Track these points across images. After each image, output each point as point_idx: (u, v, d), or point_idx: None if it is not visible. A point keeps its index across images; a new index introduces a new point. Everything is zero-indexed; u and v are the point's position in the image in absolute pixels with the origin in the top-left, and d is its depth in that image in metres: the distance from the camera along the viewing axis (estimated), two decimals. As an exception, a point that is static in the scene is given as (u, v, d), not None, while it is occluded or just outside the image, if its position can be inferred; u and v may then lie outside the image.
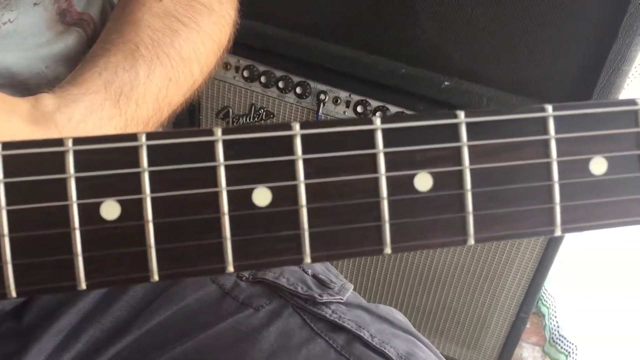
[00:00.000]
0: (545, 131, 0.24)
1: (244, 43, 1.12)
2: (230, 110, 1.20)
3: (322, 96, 1.12)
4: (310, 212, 0.23)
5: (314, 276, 0.56)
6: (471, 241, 0.24)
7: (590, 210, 0.25)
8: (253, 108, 1.18)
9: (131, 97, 0.41)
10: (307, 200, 0.23)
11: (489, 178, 0.24)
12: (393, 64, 1.06)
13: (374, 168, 0.23)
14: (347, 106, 1.12)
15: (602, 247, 1.20)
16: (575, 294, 1.24)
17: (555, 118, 0.24)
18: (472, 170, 0.24)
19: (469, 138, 0.24)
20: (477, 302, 1.17)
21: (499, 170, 0.24)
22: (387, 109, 1.07)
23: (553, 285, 1.29)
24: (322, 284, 0.55)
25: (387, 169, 0.23)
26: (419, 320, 1.23)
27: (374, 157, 0.23)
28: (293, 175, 0.23)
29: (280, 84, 1.13)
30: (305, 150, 0.23)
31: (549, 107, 0.24)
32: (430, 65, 1.04)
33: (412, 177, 0.24)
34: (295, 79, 1.13)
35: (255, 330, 0.52)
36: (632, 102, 0.25)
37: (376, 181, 0.23)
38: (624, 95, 1.01)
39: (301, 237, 0.23)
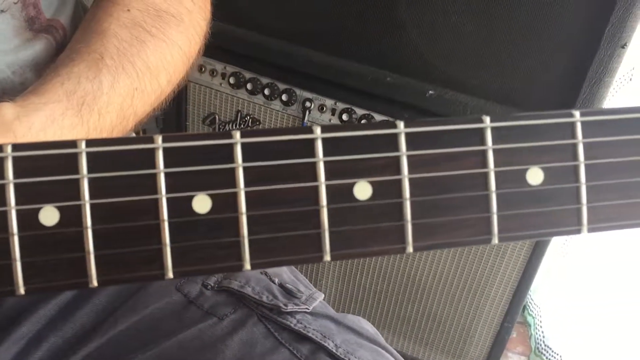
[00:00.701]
0: (483, 142, 0.24)
1: (230, 50, 1.13)
2: (217, 117, 1.21)
3: (307, 104, 1.13)
4: (250, 219, 0.24)
5: (281, 285, 0.56)
6: (410, 249, 0.24)
7: (526, 220, 0.25)
8: (239, 115, 1.19)
9: (94, 107, 0.42)
10: (247, 207, 0.24)
11: (427, 187, 0.24)
12: (378, 72, 1.06)
13: (314, 176, 0.23)
14: (333, 114, 1.13)
15: (588, 257, 1.20)
16: (561, 304, 1.24)
17: (493, 129, 0.25)
18: (410, 180, 0.24)
19: (409, 148, 0.24)
20: (462, 311, 1.17)
21: (438, 180, 0.24)
22: (373, 117, 1.07)
23: (539, 295, 1.29)
24: (289, 294, 0.55)
25: (327, 178, 0.24)
26: (404, 329, 1.23)
27: (313, 165, 0.24)
28: (233, 183, 0.23)
29: (266, 91, 1.14)
30: (245, 158, 0.23)
31: (487, 119, 0.25)
32: (416, 74, 1.04)
33: (351, 185, 0.24)
34: (282, 86, 1.13)
35: (219, 340, 0.52)
36: (568, 114, 0.25)
37: (316, 189, 0.23)
38: (608, 106, 1.01)
39: (241, 244, 0.24)
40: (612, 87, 1.09)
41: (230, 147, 0.23)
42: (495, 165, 0.24)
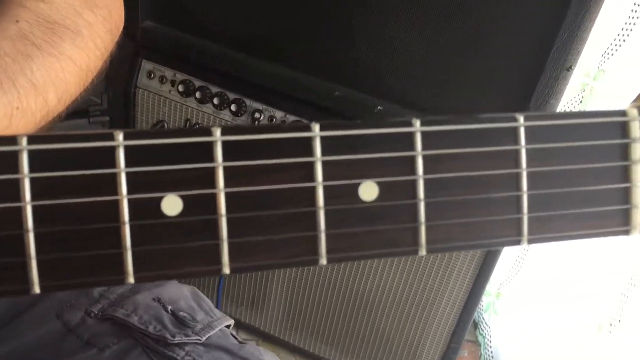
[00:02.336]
0: (311, 153, 0.22)
1: (180, 57, 1.11)
2: (166, 125, 1.18)
3: (257, 115, 1.11)
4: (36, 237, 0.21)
5: (173, 314, 0.53)
6: (226, 270, 0.22)
7: (358, 239, 0.23)
8: (188, 123, 1.16)
9: None
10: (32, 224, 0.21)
11: (246, 202, 0.22)
12: (328, 85, 1.05)
13: (115, 190, 0.21)
14: (283, 126, 1.11)
15: (540, 277, 1.19)
16: (511, 323, 1.22)
17: (323, 139, 0.22)
18: (227, 194, 0.22)
19: (226, 158, 0.22)
20: (410, 329, 1.15)
21: (257, 194, 0.22)
22: (321, 129, 1.05)
23: (490, 315, 1.27)
24: (181, 323, 0.52)
25: (131, 191, 0.21)
26: (351, 346, 1.20)
27: (114, 177, 0.21)
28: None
29: (216, 101, 1.12)
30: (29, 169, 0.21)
31: (316, 126, 0.22)
32: (365, 88, 1.03)
33: (159, 200, 0.22)
34: (232, 96, 1.11)
35: None
36: (407, 122, 0.23)
37: (116, 204, 0.21)
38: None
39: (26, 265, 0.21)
40: (563, 109, 1.09)
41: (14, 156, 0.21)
42: (324, 179, 0.22)
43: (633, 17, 0.94)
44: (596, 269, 1.01)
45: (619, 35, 0.97)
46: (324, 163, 0.22)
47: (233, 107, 1.12)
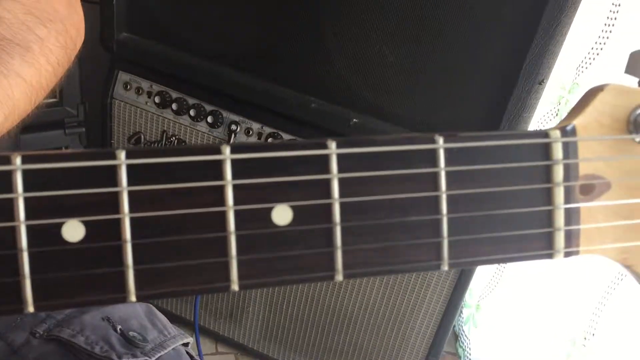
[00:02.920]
0: (221, 176, 0.22)
1: (157, 68, 1.10)
2: (142, 136, 1.17)
3: (234, 127, 1.10)
4: None
5: (122, 333, 0.51)
6: (132, 298, 0.21)
7: (272, 264, 0.22)
8: (165, 135, 1.16)
9: None
10: None
11: (153, 228, 0.21)
12: (304, 97, 1.04)
13: (12, 215, 0.20)
14: (260, 138, 1.10)
15: (518, 291, 1.18)
16: (490, 336, 1.22)
17: (235, 162, 0.22)
18: (132, 219, 0.21)
19: (131, 182, 0.21)
20: (388, 343, 1.14)
21: (165, 219, 0.21)
22: (297, 142, 1.05)
23: (470, 327, 1.27)
24: (130, 343, 0.51)
25: (29, 216, 0.20)
26: (331, 359, 1.19)
27: (11, 202, 0.20)
28: None
29: (192, 112, 1.11)
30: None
31: (227, 149, 0.22)
32: (340, 101, 1.02)
33: (59, 226, 0.21)
34: (208, 107, 1.11)
35: None
36: (322, 144, 0.22)
37: (13, 231, 0.20)
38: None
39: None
40: (539, 123, 1.09)
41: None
42: (235, 203, 0.21)
43: (606, 31, 0.95)
44: (571, 282, 1.00)
45: (592, 48, 0.97)
46: (235, 186, 0.22)
47: (210, 119, 1.11)
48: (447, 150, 0.23)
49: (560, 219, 0.25)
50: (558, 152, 0.24)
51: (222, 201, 0.22)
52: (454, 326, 1.35)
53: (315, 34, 0.99)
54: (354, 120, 1.02)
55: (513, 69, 0.87)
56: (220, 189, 0.22)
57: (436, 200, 0.23)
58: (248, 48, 1.06)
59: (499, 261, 0.24)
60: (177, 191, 0.21)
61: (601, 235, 0.26)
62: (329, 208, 0.22)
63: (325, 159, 0.22)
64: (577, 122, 0.26)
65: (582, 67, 1.00)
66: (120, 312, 0.53)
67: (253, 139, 1.10)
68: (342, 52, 1.00)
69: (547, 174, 0.24)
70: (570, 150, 0.25)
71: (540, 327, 1.09)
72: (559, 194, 0.25)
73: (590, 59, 0.98)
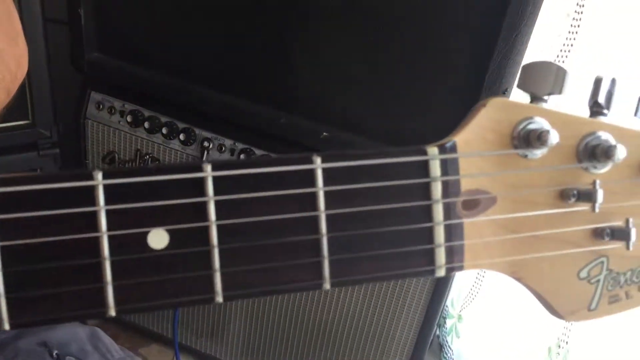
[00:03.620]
0: (93, 202, 0.22)
1: (129, 87, 1.11)
2: (116, 155, 1.17)
3: (206, 143, 1.10)
4: None
5: (59, 358, 0.51)
6: (5, 326, 0.21)
7: (150, 289, 0.22)
8: (139, 154, 1.16)
9: None
10: None
11: (26, 256, 0.21)
12: (274, 112, 1.05)
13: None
14: (232, 154, 1.10)
15: (497, 301, 1.18)
16: (471, 346, 1.21)
17: (106, 187, 0.22)
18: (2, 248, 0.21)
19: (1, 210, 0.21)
20: (369, 355, 1.14)
21: (38, 248, 0.21)
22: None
23: (453, 337, 1.26)
24: None
25: None
26: (310, 374, 1.19)
27: None
28: None
29: (165, 130, 1.11)
30: None
31: (99, 175, 0.22)
32: (310, 115, 1.03)
33: None
34: (181, 125, 1.11)
35: None
36: (197, 167, 0.22)
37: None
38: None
39: None
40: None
41: None
42: (109, 229, 0.22)
43: (570, 39, 0.95)
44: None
45: (557, 56, 0.98)
46: (108, 212, 0.22)
47: (182, 137, 1.11)
48: (325, 170, 0.23)
49: (440, 235, 0.25)
50: (436, 169, 0.25)
51: (95, 227, 0.22)
52: (438, 337, 1.35)
53: (283, 50, 0.99)
54: (324, 133, 1.03)
55: (477, 78, 0.88)
56: (93, 215, 0.22)
57: (315, 220, 0.23)
58: (218, 65, 1.07)
59: (382, 279, 0.24)
60: (49, 218, 0.21)
61: (488, 249, 0.26)
62: (206, 231, 0.22)
63: (201, 181, 0.22)
64: (459, 138, 0.26)
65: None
66: (59, 337, 0.53)
67: (226, 156, 1.10)
68: (309, 67, 1.00)
69: (426, 191, 0.24)
70: (450, 166, 0.25)
71: (521, 335, 1.09)
72: (438, 210, 0.25)
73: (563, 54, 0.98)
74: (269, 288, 0.23)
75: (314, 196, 0.23)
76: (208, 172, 0.23)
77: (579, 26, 0.95)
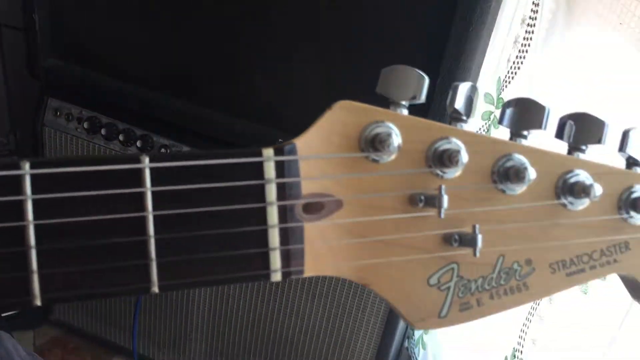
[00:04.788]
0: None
1: (86, 94, 1.10)
2: (74, 164, 1.16)
3: (163, 150, 1.10)
4: None
5: None
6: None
7: None
8: (96, 161, 1.15)
9: None
10: None
11: None
12: (230, 119, 1.04)
13: None
14: (190, 161, 1.10)
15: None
16: (437, 357, 1.20)
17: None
18: None
19: None
20: (330, 364, 1.13)
21: None
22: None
23: (419, 349, 1.25)
24: None
25: None
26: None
27: None
28: None
29: (122, 137, 1.10)
30: None
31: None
32: (266, 121, 1.02)
33: None
34: (138, 132, 1.10)
35: None
36: (15, 165, 0.22)
37: None
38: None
39: None
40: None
41: None
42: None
43: (525, 45, 0.95)
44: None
45: (514, 63, 0.98)
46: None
47: (139, 144, 1.10)
48: (154, 170, 0.22)
49: (275, 238, 0.24)
50: (270, 171, 0.24)
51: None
52: (407, 349, 1.34)
53: (238, 56, 0.99)
54: (280, 140, 1.02)
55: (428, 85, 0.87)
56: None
57: (143, 220, 0.22)
58: (175, 71, 1.06)
59: (215, 283, 0.23)
60: None
61: (333, 254, 0.25)
62: (22, 231, 0.22)
63: (18, 179, 0.22)
64: (300, 141, 0.25)
65: (506, 81, 1.00)
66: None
67: (184, 163, 1.10)
68: (265, 73, 1.00)
69: (260, 193, 0.24)
70: (289, 169, 0.24)
71: (481, 345, 1.08)
72: (273, 213, 0.24)
73: (512, 73, 0.98)
74: (93, 291, 0.22)
75: (141, 196, 0.22)
76: (26, 171, 0.22)
77: (533, 32, 0.96)
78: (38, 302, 0.22)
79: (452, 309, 0.27)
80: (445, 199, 0.25)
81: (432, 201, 0.25)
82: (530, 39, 0.95)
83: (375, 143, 0.25)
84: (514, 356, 0.95)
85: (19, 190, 0.22)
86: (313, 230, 0.25)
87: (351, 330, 1.10)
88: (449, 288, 0.27)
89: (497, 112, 1.05)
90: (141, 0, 1.02)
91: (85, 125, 1.12)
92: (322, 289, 1.08)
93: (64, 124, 1.14)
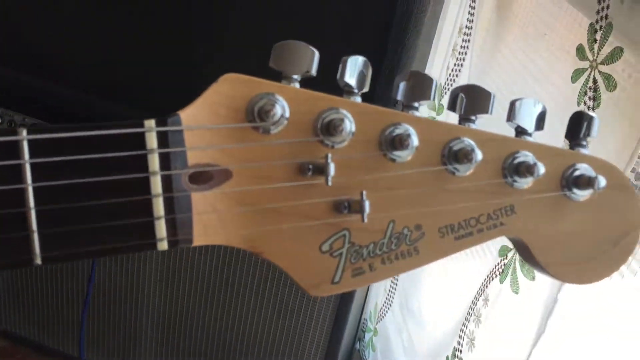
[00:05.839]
0: None
1: (29, 100, 1.08)
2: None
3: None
4: None
5: None
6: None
7: None
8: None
9: None
10: None
11: None
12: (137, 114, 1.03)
13: None
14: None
15: (409, 312, 1.19)
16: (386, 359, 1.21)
17: None
18: None
19: None
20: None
21: None
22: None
23: (370, 352, 1.26)
24: None
25: None
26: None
27: None
28: None
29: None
30: None
31: None
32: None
33: None
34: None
35: None
36: None
37: None
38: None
39: None
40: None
41: None
42: None
43: (462, 53, 0.98)
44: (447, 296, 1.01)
45: (452, 70, 1.00)
46: None
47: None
48: (32, 142, 0.22)
49: (159, 207, 0.24)
50: (152, 141, 0.24)
51: None
52: (359, 350, 1.34)
53: (189, 60, 0.98)
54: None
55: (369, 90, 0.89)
56: None
57: (22, 192, 0.22)
58: (119, 77, 1.05)
59: (102, 253, 0.23)
60: None
61: (223, 223, 0.26)
62: None
63: None
64: (185, 113, 0.26)
65: (446, 88, 1.03)
66: None
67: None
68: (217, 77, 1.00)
69: (142, 163, 0.24)
70: (172, 139, 0.25)
71: (425, 345, 1.09)
72: (156, 183, 0.24)
73: (451, 80, 1.01)
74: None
75: (19, 168, 0.22)
76: None
77: (469, 41, 0.98)
78: None
79: (345, 275, 0.28)
80: (332, 167, 0.26)
81: (321, 170, 0.26)
82: (467, 47, 0.98)
83: (261, 114, 0.26)
84: (455, 355, 0.96)
85: None
86: (202, 200, 0.25)
87: (300, 332, 1.10)
88: (341, 254, 0.27)
89: (439, 118, 1.07)
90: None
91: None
92: (271, 289, 1.08)
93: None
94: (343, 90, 0.29)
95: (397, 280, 1.18)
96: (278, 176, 0.27)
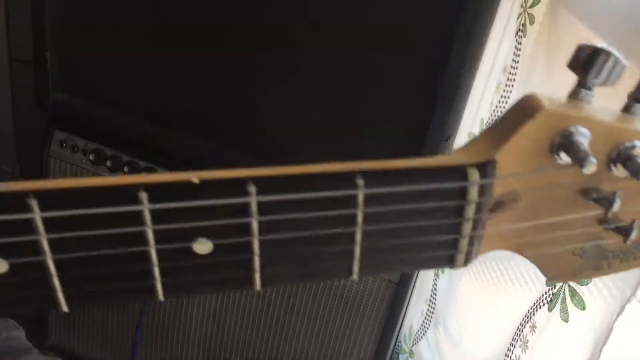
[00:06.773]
0: (142, 222, 0.25)
1: (92, 126, 1.12)
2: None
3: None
4: None
5: None
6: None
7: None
8: (100, 193, 1.17)
9: None
10: None
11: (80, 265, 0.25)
12: (235, 154, 1.07)
13: None
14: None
15: (447, 337, 1.21)
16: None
17: (154, 212, 0.25)
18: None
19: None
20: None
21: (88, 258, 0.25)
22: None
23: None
24: None
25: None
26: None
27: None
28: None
29: (126, 169, 1.13)
30: None
31: (144, 196, 0.25)
32: (272, 157, 1.07)
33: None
34: (142, 164, 1.13)
35: None
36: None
37: None
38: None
39: None
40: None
41: None
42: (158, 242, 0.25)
43: (507, 90, 1.03)
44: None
45: (496, 106, 1.05)
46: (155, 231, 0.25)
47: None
48: (366, 196, 0.26)
49: (464, 245, 0.27)
50: (474, 194, 0.26)
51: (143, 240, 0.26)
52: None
53: (243, 92, 1.03)
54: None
55: (420, 128, 0.92)
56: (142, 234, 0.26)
57: (353, 234, 0.26)
58: (180, 106, 1.10)
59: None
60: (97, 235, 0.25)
61: (502, 237, 0.28)
62: (248, 244, 0.27)
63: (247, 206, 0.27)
64: (499, 154, 0.26)
65: (490, 119, 1.08)
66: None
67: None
68: (268, 109, 1.04)
69: (460, 211, 0.26)
70: (487, 186, 0.26)
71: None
72: (467, 226, 0.27)
73: (495, 114, 1.06)
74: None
75: (354, 217, 0.26)
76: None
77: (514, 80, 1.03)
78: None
79: (586, 272, 0.31)
80: (618, 205, 0.28)
81: (604, 200, 0.28)
82: (512, 85, 1.02)
83: (566, 148, 0.27)
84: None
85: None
86: (491, 224, 0.28)
87: (343, 355, 1.14)
88: (589, 257, 0.31)
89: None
90: (146, 40, 1.06)
91: (91, 157, 1.15)
92: (313, 309, 1.12)
93: (70, 155, 1.16)
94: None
95: (434, 303, 1.21)
96: (561, 197, 0.28)
